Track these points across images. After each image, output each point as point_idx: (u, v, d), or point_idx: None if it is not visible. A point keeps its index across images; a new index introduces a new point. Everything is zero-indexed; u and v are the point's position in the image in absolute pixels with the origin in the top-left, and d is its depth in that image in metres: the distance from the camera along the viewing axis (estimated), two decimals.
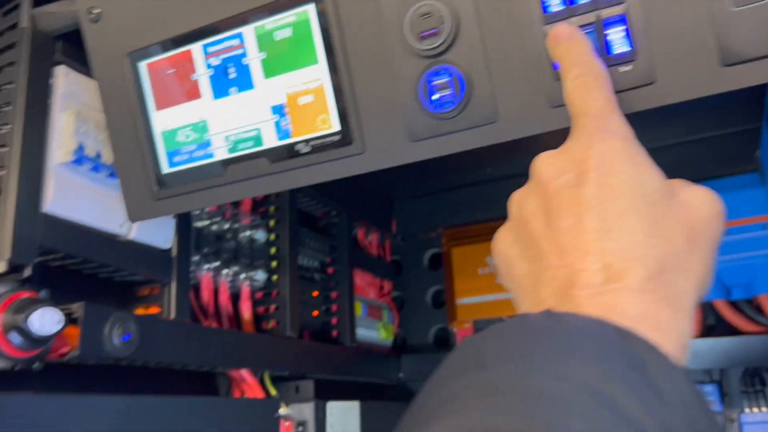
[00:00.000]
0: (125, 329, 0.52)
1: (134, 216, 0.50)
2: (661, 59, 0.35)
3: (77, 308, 0.49)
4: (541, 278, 0.28)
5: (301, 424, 0.71)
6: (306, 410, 0.71)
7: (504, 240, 0.32)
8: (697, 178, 0.85)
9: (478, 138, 0.39)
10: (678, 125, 0.83)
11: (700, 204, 0.29)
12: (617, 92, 0.35)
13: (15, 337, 0.46)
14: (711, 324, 0.85)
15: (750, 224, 0.80)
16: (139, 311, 0.60)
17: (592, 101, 0.31)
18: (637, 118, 0.87)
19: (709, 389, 0.83)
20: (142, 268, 0.57)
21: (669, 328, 0.24)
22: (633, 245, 0.26)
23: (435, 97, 0.39)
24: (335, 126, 0.43)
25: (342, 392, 0.83)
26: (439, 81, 0.39)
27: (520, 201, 0.31)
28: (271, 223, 0.77)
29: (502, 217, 1.03)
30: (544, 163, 0.30)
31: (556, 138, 0.85)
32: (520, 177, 0.98)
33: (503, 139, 0.39)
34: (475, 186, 0.97)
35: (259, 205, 0.77)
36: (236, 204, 0.74)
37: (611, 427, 0.19)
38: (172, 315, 0.59)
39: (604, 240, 0.26)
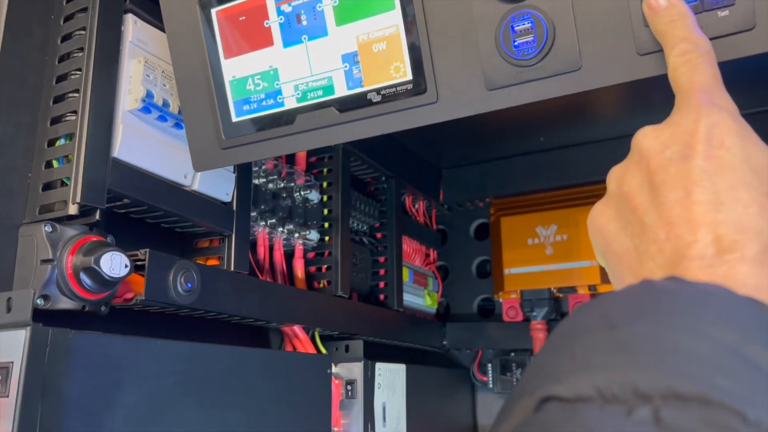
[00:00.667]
0: (188, 278, 0.52)
1: (199, 165, 0.51)
2: (762, 4, 0.33)
3: (143, 254, 0.49)
4: (646, 252, 0.27)
5: (350, 383, 0.72)
6: (355, 369, 0.72)
7: (602, 215, 0.31)
8: None
9: (560, 86, 0.38)
10: (740, 97, 0.80)
11: None
12: (715, 38, 0.34)
13: (85, 279, 0.47)
14: None
15: None
16: (199, 262, 0.61)
17: (698, 77, 0.30)
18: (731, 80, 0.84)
19: None
20: (204, 218, 0.57)
21: None
22: (747, 218, 0.26)
23: (516, 43, 0.38)
24: (409, 74, 0.42)
25: (388, 356, 0.83)
26: (521, 26, 0.38)
27: (620, 177, 0.30)
28: (324, 184, 0.77)
29: (552, 187, 1.01)
30: (648, 137, 0.29)
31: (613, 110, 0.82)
32: (573, 147, 0.96)
33: (587, 87, 0.38)
34: (525, 155, 0.95)
35: (313, 167, 0.77)
36: (291, 163, 0.74)
37: (761, 388, 0.18)
38: (232, 267, 0.59)
39: (716, 212, 0.26)
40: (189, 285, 0.52)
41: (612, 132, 0.89)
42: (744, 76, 0.71)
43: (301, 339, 0.69)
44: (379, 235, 0.89)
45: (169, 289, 0.51)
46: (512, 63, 0.39)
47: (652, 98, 0.81)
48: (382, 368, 0.77)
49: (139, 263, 0.50)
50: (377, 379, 0.76)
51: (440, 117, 0.42)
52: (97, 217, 0.48)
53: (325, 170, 0.77)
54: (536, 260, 0.91)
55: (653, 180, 0.28)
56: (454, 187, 1.02)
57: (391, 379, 0.79)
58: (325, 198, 0.77)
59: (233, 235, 0.60)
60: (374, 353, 0.77)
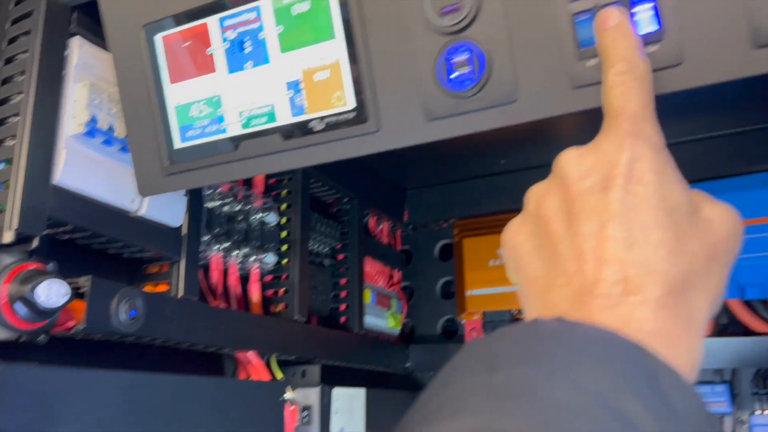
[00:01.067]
0: (132, 305, 0.51)
1: (144, 190, 0.50)
2: (690, 40, 0.33)
3: (84, 282, 0.48)
4: (555, 281, 0.27)
5: (306, 408, 0.71)
6: (312, 395, 0.71)
7: (518, 233, 0.31)
8: (715, 175, 0.83)
9: (496, 118, 0.38)
10: (697, 121, 0.81)
11: (721, 221, 0.28)
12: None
13: (21, 308, 0.45)
14: (724, 323, 0.84)
15: (766, 223, 0.78)
16: (148, 288, 0.60)
17: (630, 102, 0.30)
18: (668, 111, 0.85)
19: (720, 389, 0.82)
20: (151, 244, 0.56)
21: (682, 346, 0.24)
22: (656, 259, 0.26)
23: (454, 75, 0.38)
24: (350, 103, 0.42)
25: (348, 379, 0.82)
26: (458, 58, 0.38)
27: (540, 197, 0.30)
28: (283, 206, 0.76)
29: (514, 209, 1.01)
30: (571, 162, 0.29)
31: (571, 132, 0.83)
32: (534, 169, 0.97)
33: (523, 119, 0.38)
34: (488, 177, 0.96)
35: (271, 188, 0.77)
36: (248, 186, 0.73)
37: None
38: (180, 293, 0.58)
39: (626, 251, 0.26)
40: (132, 313, 0.51)
41: None
42: (673, 105, 0.73)
43: (255, 365, 0.68)
44: (340, 256, 0.88)
45: (111, 318, 0.50)
46: (450, 94, 0.39)
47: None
48: (339, 393, 0.76)
49: (81, 291, 0.49)
50: (334, 405, 0.75)
51: (381, 147, 0.42)
52: (36, 244, 0.47)
53: (284, 192, 0.77)
54: (498, 281, 0.91)
55: (571, 208, 0.28)
56: (418, 208, 1.02)
57: (349, 404, 0.78)
58: (283, 220, 0.76)
59: (182, 261, 0.59)
60: (335, 377, 0.76)
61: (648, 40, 0.34)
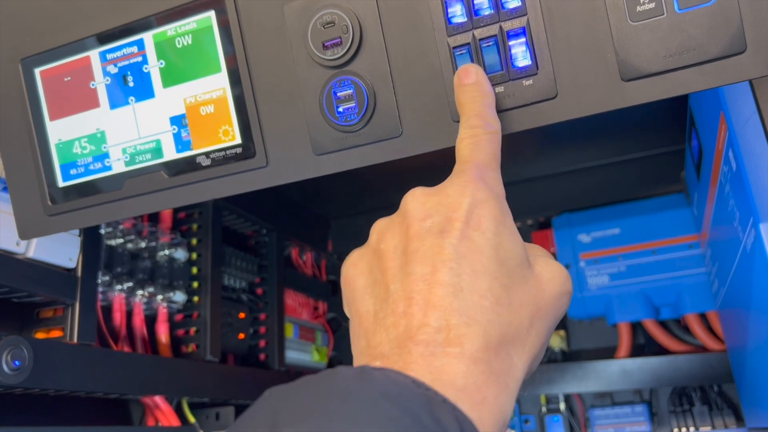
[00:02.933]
0: (16, 355, 0.48)
1: (25, 233, 0.47)
2: (562, 74, 0.34)
3: None
4: (383, 321, 0.26)
5: None
6: None
7: (355, 266, 0.30)
8: (627, 198, 0.86)
9: (383, 152, 0.38)
10: (609, 146, 0.84)
11: (551, 280, 0.28)
12: (521, 106, 0.34)
13: None
14: (641, 343, 0.85)
15: (677, 244, 0.81)
16: (40, 334, 0.56)
17: (478, 152, 0.30)
18: (571, 137, 0.87)
19: (639, 409, 0.83)
20: (40, 288, 0.53)
21: (492, 403, 0.24)
22: (479, 310, 0.25)
23: (340, 109, 0.38)
24: (237, 138, 0.41)
25: None
26: (343, 92, 0.38)
27: (381, 232, 0.30)
28: (194, 241, 0.74)
29: None
30: (415, 201, 0.29)
31: None
32: None
33: (408, 153, 0.37)
34: None
35: (180, 223, 0.74)
36: (155, 221, 0.70)
37: None
38: (75, 338, 0.55)
39: (453, 297, 0.25)
40: (16, 363, 0.48)
41: None
42: (586, 130, 0.75)
43: (163, 410, 0.64)
44: (259, 290, 0.86)
45: None
46: (337, 128, 0.38)
47: (523, 150, 0.83)
48: None
49: None
50: None
51: (270, 182, 0.40)
52: None
53: (194, 226, 0.74)
54: None
55: (408, 247, 0.27)
56: (342, 237, 1.01)
57: None
58: (194, 256, 0.73)
59: (77, 304, 0.55)
60: None
61: (523, 74, 0.34)
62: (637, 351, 0.84)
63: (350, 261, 0.31)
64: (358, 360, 0.27)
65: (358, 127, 0.38)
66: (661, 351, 0.82)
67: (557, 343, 0.87)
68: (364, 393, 0.21)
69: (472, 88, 0.33)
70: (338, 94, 0.38)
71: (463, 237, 0.27)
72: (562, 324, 0.89)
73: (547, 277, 0.28)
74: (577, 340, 0.90)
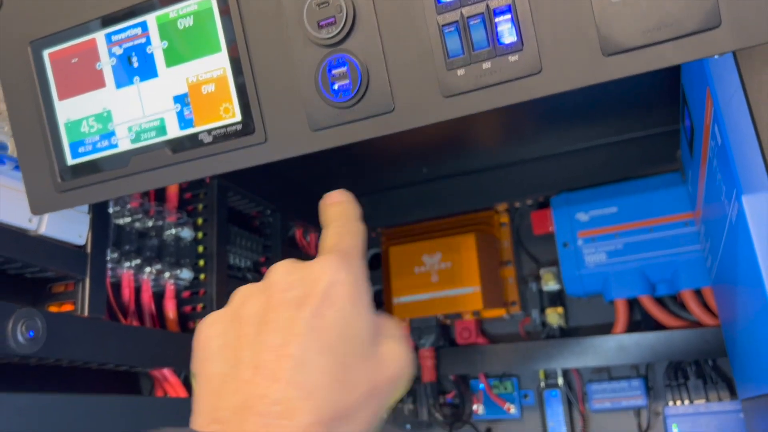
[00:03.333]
0: (30, 326, 0.50)
1: (37, 209, 0.49)
2: (546, 50, 0.35)
3: None
4: (228, 386, 0.28)
5: None
6: None
7: (212, 326, 0.31)
8: (625, 177, 0.87)
9: (376, 127, 0.39)
10: (606, 126, 0.85)
11: (393, 362, 0.30)
12: (506, 81, 0.36)
13: None
14: (637, 320, 0.87)
15: (673, 222, 0.82)
16: (53, 308, 0.58)
17: (343, 243, 0.33)
18: (569, 117, 0.88)
19: (636, 383, 0.85)
20: (52, 263, 0.55)
21: None
22: (317, 385, 0.27)
23: (335, 86, 0.39)
24: (237, 115, 0.42)
25: None
26: (337, 70, 0.39)
27: (245, 297, 0.31)
28: (199, 221, 0.76)
29: (436, 216, 1.03)
30: (281, 272, 0.30)
31: (486, 140, 0.84)
32: (454, 177, 0.98)
33: (400, 128, 0.39)
34: (412, 186, 0.97)
35: (186, 203, 0.76)
36: (161, 201, 0.73)
37: None
38: (86, 312, 0.57)
39: (296, 371, 0.27)
40: (31, 333, 0.50)
41: (488, 162, 0.92)
42: (585, 110, 0.76)
43: (171, 382, 0.67)
44: (264, 269, 0.88)
45: (7, 339, 0.49)
46: (332, 105, 0.40)
47: (523, 129, 0.85)
48: None
49: None
50: None
51: (269, 157, 0.42)
52: None
53: (200, 206, 0.76)
54: (423, 288, 0.93)
55: (266, 316, 0.29)
56: None
57: None
58: (200, 235, 0.75)
59: (87, 279, 0.58)
60: None
61: (509, 50, 0.36)
62: (633, 327, 0.86)
63: (208, 321, 0.31)
64: (199, 418, 0.28)
65: (352, 103, 0.39)
66: (658, 327, 0.84)
67: (556, 320, 0.89)
68: None
69: (337, 206, 0.36)
70: (333, 72, 0.39)
71: (317, 313, 0.28)
72: (561, 301, 0.91)
73: (390, 360, 0.30)
74: (575, 317, 0.91)
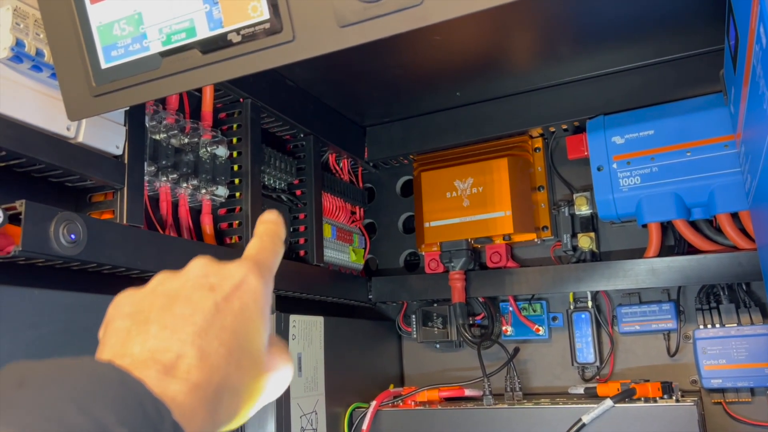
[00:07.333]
0: (71, 229, 0.52)
1: (73, 114, 0.50)
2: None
3: (19, 205, 0.49)
4: (135, 337, 0.31)
5: None
6: None
7: (127, 297, 0.34)
8: (665, 100, 0.84)
9: (403, 21, 0.39)
10: (646, 47, 0.82)
11: (280, 363, 0.35)
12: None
13: None
14: (670, 245, 0.86)
15: (712, 144, 0.80)
16: (93, 216, 0.61)
17: (261, 255, 0.37)
18: (608, 38, 0.85)
19: (667, 307, 0.85)
20: (91, 171, 0.57)
21: (199, 424, 0.29)
22: (214, 354, 0.31)
23: None
24: (265, 14, 0.42)
25: (314, 309, 0.84)
26: None
27: (163, 278, 0.34)
28: (234, 140, 0.77)
29: (469, 141, 1.03)
30: (201, 263, 0.35)
31: (519, 63, 0.82)
32: (487, 102, 0.97)
33: (428, 22, 0.38)
34: (445, 111, 0.96)
35: (221, 123, 0.77)
36: (196, 118, 0.74)
37: None
38: (125, 220, 0.59)
39: (197, 336, 0.31)
40: (72, 236, 0.52)
41: (523, 85, 0.90)
42: (623, 32, 0.73)
43: None
44: (298, 192, 0.89)
45: (50, 241, 0.51)
46: (360, 0, 0.39)
47: (559, 50, 0.82)
48: (296, 320, 0.78)
49: (16, 214, 0.49)
50: (291, 331, 0.77)
51: (297, 56, 0.42)
52: None
53: (234, 126, 0.77)
54: (454, 213, 0.93)
55: (181, 292, 0.32)
56: (377, 145, 1.03)
57: (307, 331, 0.80)
58: (235, 154, 0.77)
59: (125, 189, 0.60)
60: (295, 307, 0.78)
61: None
62: (666, 252, 0.85)
63: (123, 293, 0.35)
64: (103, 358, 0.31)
65: None
66: (691, 252, 0.83)
67: (587, 244, 0.88)
68: (107, 376, 0.26)
69: (268, 222, 0.40)
70: None
71: (227, 299, 0.32)
72: (593, 226, 0.90)
73: (278, 360, 0.35)
74: (606, 241, 0.91)
